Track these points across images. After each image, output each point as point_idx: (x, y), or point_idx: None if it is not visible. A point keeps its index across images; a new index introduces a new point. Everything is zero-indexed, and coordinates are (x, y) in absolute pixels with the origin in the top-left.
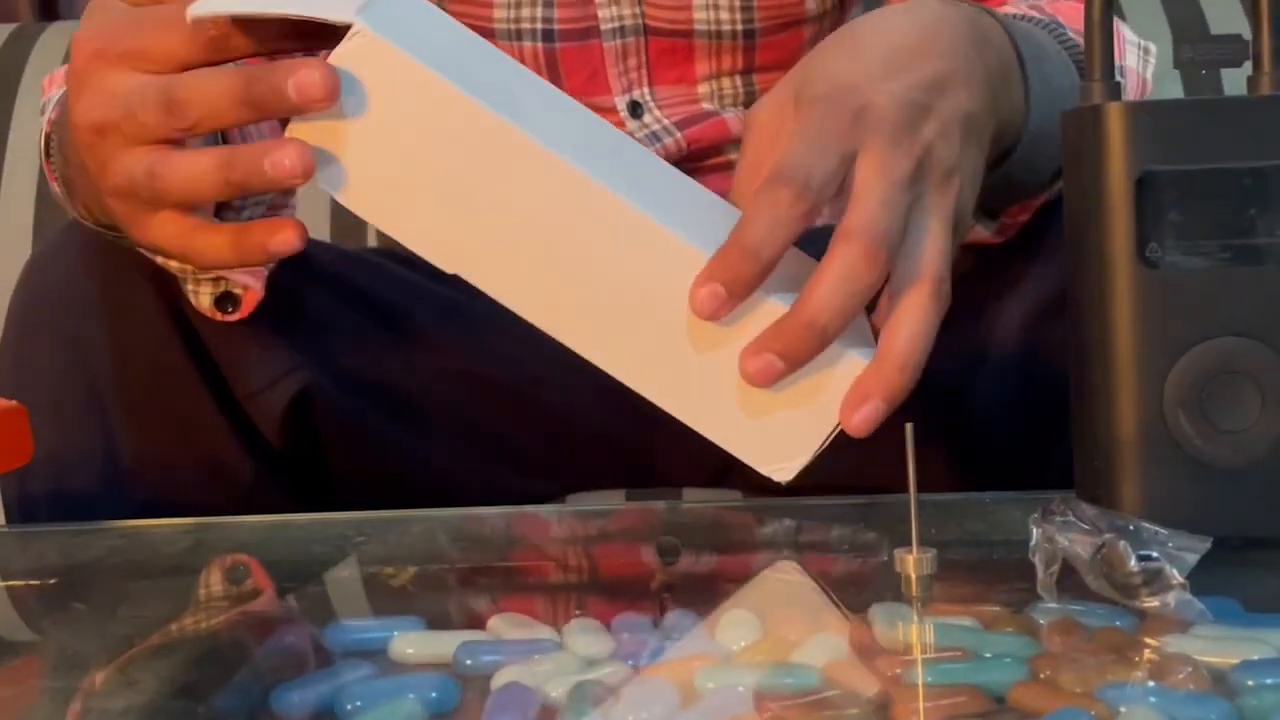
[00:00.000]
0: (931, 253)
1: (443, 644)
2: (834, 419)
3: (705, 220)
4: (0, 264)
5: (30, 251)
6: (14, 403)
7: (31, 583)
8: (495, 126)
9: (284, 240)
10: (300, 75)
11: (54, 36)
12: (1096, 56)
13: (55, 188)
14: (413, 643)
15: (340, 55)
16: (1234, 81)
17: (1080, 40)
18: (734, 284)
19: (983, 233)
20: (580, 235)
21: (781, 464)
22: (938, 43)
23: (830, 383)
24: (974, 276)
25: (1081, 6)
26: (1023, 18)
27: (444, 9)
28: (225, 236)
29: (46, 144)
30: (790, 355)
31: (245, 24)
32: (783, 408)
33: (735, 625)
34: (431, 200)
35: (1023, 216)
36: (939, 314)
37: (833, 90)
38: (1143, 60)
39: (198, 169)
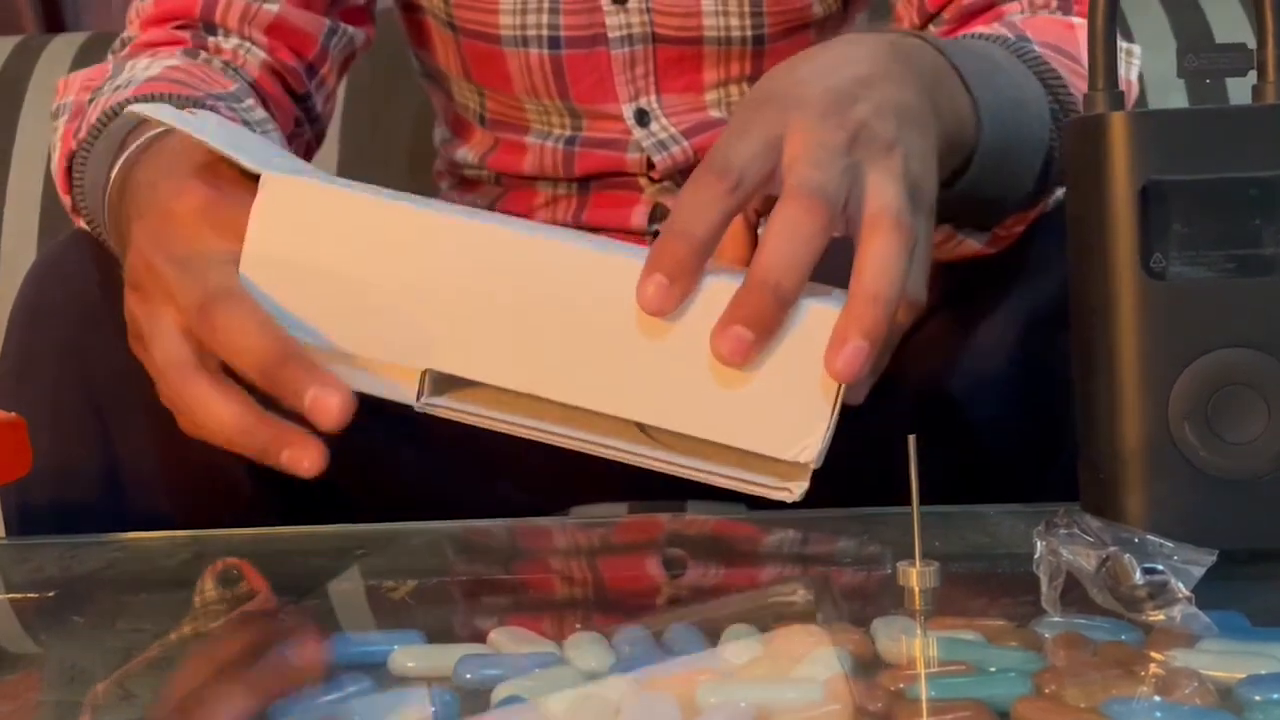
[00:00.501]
0: (881, 196)
1: (443, 657)
2: (831, 380)
3: (638, 250)
4: (5, 271)
5: (35, 259)
6: (13, 415)
7: (30, 595)
8: (417, 218)
9: (301, 469)
10: (318, 394)
11: (59, 48)
12: (1099, 66)
13: (65, 199)
14: (413, 656)
15: (260, 207)
16: (1240, 91)
17: (1044, 53)
18: (673, 269)
19: (974, 245)
20: (530, 290)
21: (801, 444)
22: (859, 55)
23: (813, 345)
24: (968, 290)
25: (1054, 20)
26: (978, 36)
27: (449, 14)
28: (249, 451)
29: (70, 156)
30: (756, 322)
31: None
32: (779, 387)
33: (737, 640)
34: (381, 308)
35: (1018, 228)
36: (902, 244)
37: (762, 96)
38: (1125, 63)
39: (218, 415)
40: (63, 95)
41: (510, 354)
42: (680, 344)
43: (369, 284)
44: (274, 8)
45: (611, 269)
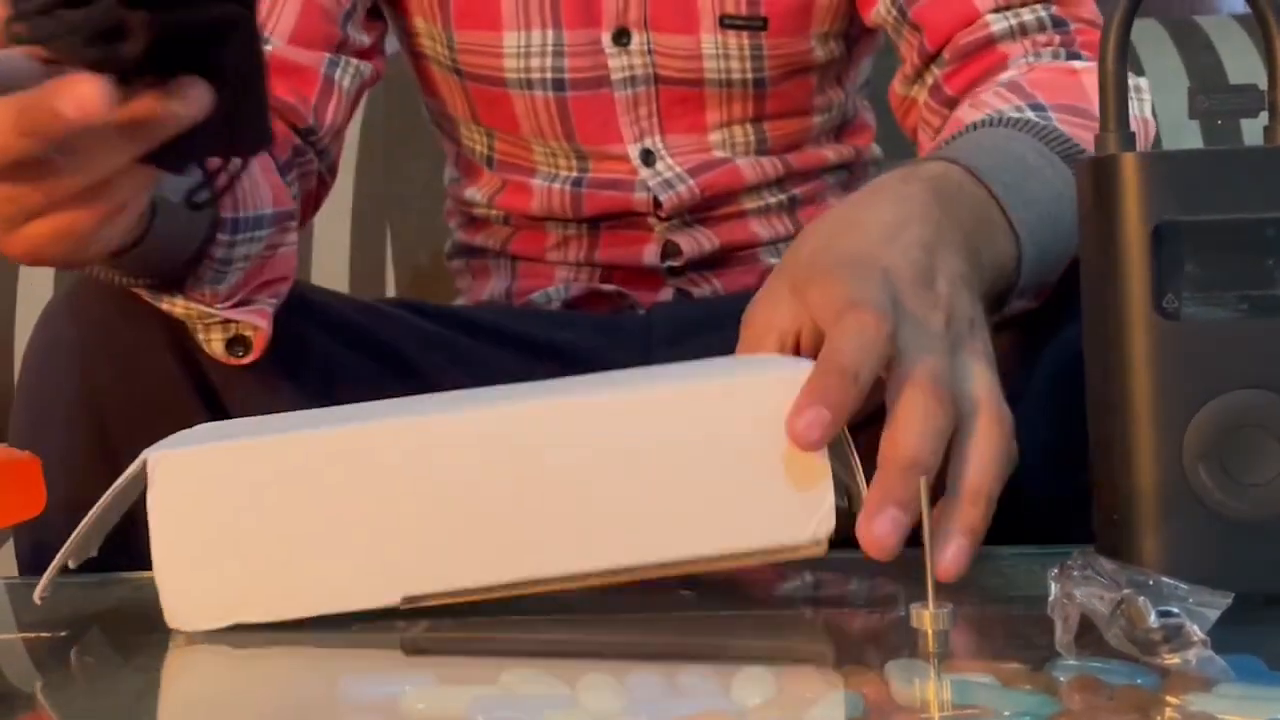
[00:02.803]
0: (983, 385)
1: (455, 699)
2: (824, 466)
3: (597, 384)
4: (23, 308)
5: (51, 297)
6: (26, 453)
7: (42, 635)
8: (314, 441)
9: (90, 103)
10: (78, 91)
11: None
12: (1110, 107)
13: None
14: (425, 697)
15: (155, 495)
16: (1256, 131)
17: (1059, 122)
18: (836, 407)
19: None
20: (492, 471)
21: (814, 522)
22: (913, 213)
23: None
24: (996, 337)
25: (1058, 71)
26: (999, 119)
27: (455, 60)
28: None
29: None
30: (903, 506)
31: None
32: (769, 474)
33: (749, 682)
34: (332, 547)
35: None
36: (1003, 435)
37: (848, 258)
38: (1136, 100)
39: None
40: None
41: (500, 546)
42: (659, 467)
43: (309, 529)
44: (268, 48)
45: (589, 414)
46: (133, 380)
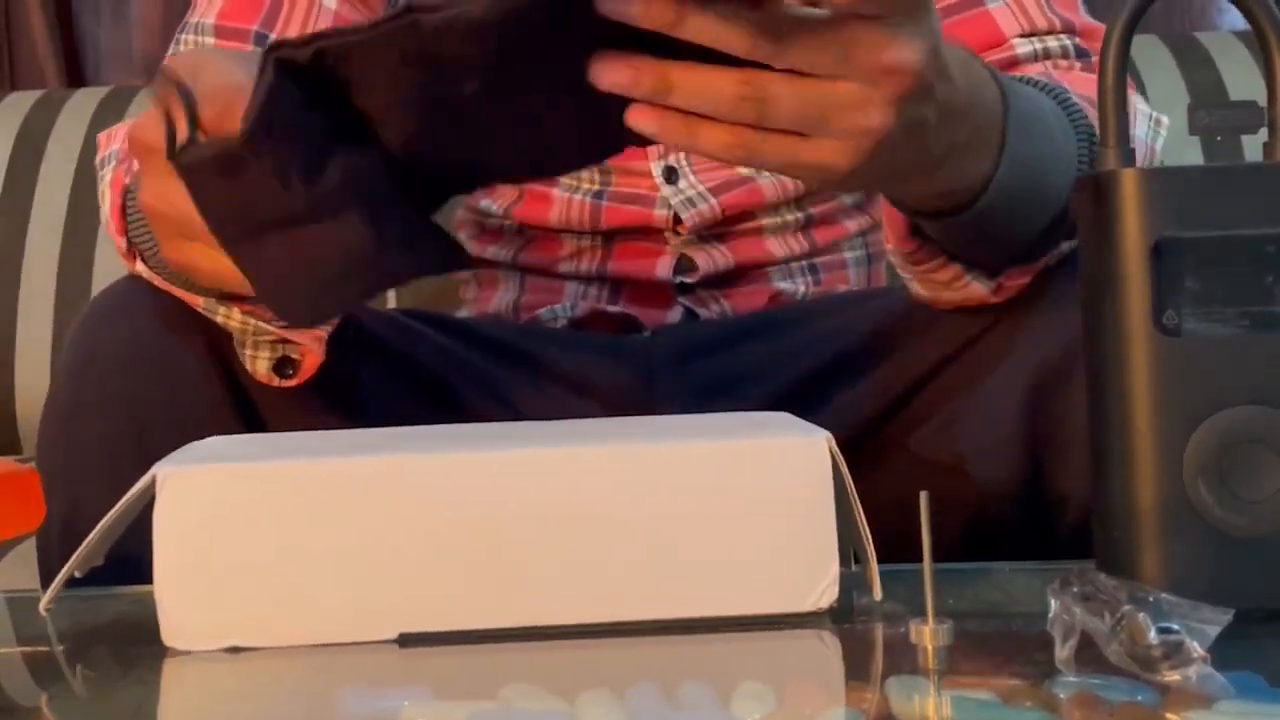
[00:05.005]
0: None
1: (454, 714)
2: (828, 512)
3: (608, 432)
4: (24, 323)
5: (53, 312)
6: (26, 466)
7: (41, 648)
8: (331, 469)
9: None
10: None
11: (80, 101)
12: (1110, 123)
13: (120, 241)
14: (424, 712)
15: (161, 511)
16: (1256, 148)
17: (1082, 104)
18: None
19: (979, 289)
20: (498, 511)
21: (818, 590)
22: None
23: (795, 480)
24: (973, 346)
25: (1085, 77)
26: (1031, 81)
27: None
28: None
29: (125, 192)
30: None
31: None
32: (774, 537)
33: (749, 697)
34: (339, 575)
35: (1021, 279)
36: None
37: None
38: (1153, 131)
39: None
40: (107, 146)
41: (481, 594)
42: (665, 523)
43: (311, 556)
44: None
45: (603, 462)
46: (174, 398)
